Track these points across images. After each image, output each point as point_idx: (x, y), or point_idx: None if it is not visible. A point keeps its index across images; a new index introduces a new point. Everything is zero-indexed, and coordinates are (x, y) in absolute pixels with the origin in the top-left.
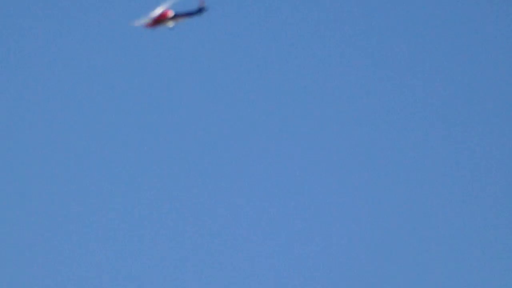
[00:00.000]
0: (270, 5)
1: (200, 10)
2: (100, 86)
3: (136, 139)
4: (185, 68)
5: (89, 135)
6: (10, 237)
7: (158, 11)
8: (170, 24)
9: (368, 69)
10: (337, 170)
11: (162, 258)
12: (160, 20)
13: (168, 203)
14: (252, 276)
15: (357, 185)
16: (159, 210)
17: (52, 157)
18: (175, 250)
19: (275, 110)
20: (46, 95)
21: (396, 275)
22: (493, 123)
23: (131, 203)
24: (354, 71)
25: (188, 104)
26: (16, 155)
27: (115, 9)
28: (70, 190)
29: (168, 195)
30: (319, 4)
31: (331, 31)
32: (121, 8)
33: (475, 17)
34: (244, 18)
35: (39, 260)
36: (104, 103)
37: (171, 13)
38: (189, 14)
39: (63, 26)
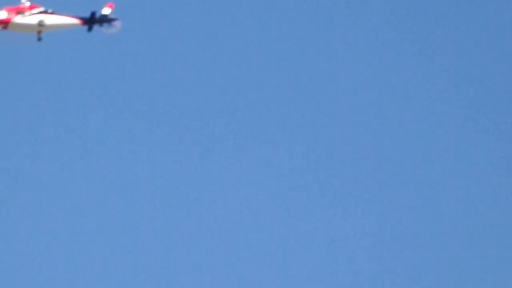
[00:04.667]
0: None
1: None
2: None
3: (135, 139)
4: (184, 68)
5: (88, 134)
6: (10, 237)
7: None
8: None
9: (369, 69)
10: (339, 170)
11: (161, 258)
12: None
13: (166, 203)
14: (252, 276)
15: (358, 185)
16: (158, 210)
17: (52, 156)
18: (174, 250)
19: (275, 110)
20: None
21: (398, 276)
22: (494, 123)
23: (129, 202)
24: (354, 70)
25: (187, 104)
26: (16, 155)
27: None
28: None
29: (167, 194)
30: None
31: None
32: None
33: (475, 17)
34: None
35: (38, 260)
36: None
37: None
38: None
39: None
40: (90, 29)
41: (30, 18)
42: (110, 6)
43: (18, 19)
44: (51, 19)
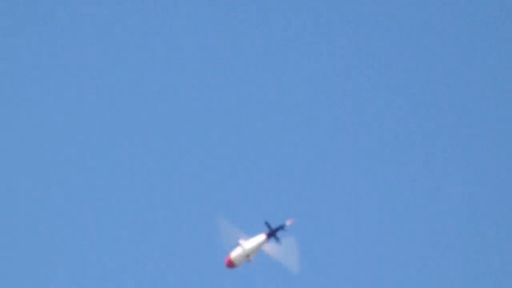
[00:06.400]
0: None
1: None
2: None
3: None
4: (184, 69)
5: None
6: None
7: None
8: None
9: (369, 70)
10: (339, 170)
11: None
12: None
13: (167, 204)
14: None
15: (360, 186)
16: (158, 211)
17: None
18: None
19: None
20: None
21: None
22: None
23: (129, 203)
24: (355, 71)
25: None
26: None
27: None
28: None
29: (168, 195)
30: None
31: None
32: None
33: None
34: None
35: (38, 260)
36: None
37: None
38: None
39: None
40: (277, 239)
41: (238, 249)
42: (291, 221)
43: (234, 255)
44: (248, 244)
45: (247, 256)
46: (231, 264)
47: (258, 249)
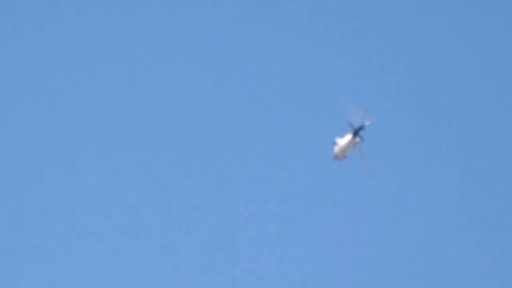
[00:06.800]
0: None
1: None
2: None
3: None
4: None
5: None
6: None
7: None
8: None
9: (369, 71)
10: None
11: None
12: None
13: (167, 203)
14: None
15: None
16: (159, 211)
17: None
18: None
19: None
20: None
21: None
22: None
23: (130, 203)
24: (355, 72)
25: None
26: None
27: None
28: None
29: (168, 195)
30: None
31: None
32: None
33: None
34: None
35: (38, 260)
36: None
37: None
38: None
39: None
40: (361, 138)
41: (336, 147)
42: (370, 120)
43: (336, 150)
44: (341, 141)
45: (343, 151)
46: (336, 157)
47: (350, 146)
